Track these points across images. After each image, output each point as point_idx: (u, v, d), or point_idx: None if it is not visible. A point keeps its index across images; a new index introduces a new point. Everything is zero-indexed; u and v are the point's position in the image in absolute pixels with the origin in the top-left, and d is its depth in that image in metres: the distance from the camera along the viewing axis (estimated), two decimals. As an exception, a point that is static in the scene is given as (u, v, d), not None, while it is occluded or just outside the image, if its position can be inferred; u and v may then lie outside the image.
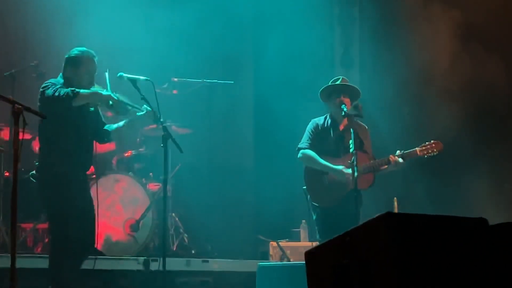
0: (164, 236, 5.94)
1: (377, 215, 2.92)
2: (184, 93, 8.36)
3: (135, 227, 7.46)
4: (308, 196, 6.42)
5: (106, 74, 5.89)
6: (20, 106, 4.03)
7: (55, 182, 5.60)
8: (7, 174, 7.48)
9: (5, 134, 7.68)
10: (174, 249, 7.82)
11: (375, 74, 8.91)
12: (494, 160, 8.06)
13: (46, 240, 7.18)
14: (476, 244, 2.98)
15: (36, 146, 6.97)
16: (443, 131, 7.43)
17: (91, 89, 5.71)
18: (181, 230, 8.01)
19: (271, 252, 8.00)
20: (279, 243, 7.95)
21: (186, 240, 8.00)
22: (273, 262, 7.69)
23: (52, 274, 5.58)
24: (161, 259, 5.64)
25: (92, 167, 6.34)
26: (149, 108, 5.76)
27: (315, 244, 7.08)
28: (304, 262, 3.42)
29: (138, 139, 8.19)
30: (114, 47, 8.03)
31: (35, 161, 5.77)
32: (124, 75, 5.76)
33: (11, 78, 7.70)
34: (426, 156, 6.26)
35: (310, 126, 6.48)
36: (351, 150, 5.88)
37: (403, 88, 8.64)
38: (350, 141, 5.90)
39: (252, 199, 9.25)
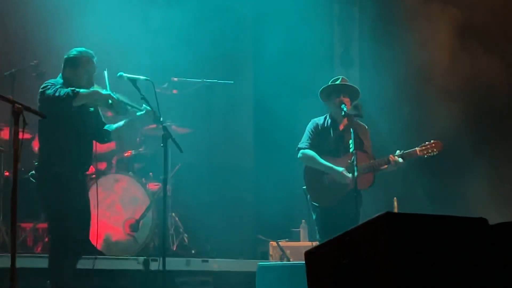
0: (164, 236, 5.94)
1: (377, 215, 2.92)
2: (184, 92, 8.36)
3: (135, 227, 7.46)
4: (308, 196, 6.42)
5: (105, 73, 5.89)
6: (20, 106, 4.03)
7: (55, 182, 5.60)
8: (7, 173, 7.48)
9: (5, 134, 7.67)
10: (174, 249, 7.82)
11: (375, 74, 8.91)
12: (494, 160, 8.07)
13: (46, 239, 7.17)
14: (476, 244, 2.98)
15: (36, 146, 6.97)
16: (443, 131, 7.44)
17: (91, 89, 5.71)
18: (181, 230, 8.01)
19: (271, 252, 8.00)
20: (279, 243, 7.95)
21: (186, 240, 8.00)
22: (273, 262, 7.69)
23: (52, 273, 5.59)
24: (161, 259, 5.64)
25: (92, 167, 6.35)
26: (149, 108, 5.76)
27: (315, 244, 7.07)
28: (304, 262, 3.42)
29: (138, 139, 8.19)
30: (114, 47, 8.03)
31: (34, 161, 5.77)
32: (124, 75, 5.77)
33: (11, 77, 7.70)
34: (426, 156, 6.26)
35: (310, 126, 6.47)
36: (351, 150, 5.88)
37: (403, 87, 8.64)
38: (350, 141, 5.90)
39: (252, 199, 9.25)
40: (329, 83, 6.42)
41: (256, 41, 9.49)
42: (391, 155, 6.20)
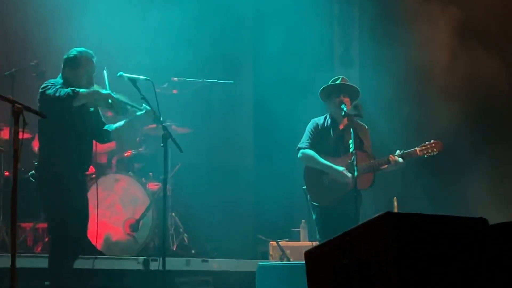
0: (164, 235, 5.94)
1: (377, 215, 2.92)
2: (184, 92, 8.36)
3: (135, 226, 7.46)
4: (308, 196, 6.42)
5: (105, 72, 5.90)
6: (20, 106, 4.03)
7: (54, 182, 5.60)
8: (7, 173, 7.48)
9: (5, 134, 7.68)
10: (174, 248, 7.82)
11: (375, 74, 8.90)
12: (494, 160, 8.06)
13: (46, 239, 7.18)
14: (476, 244, 2.98)
15: (36, 145, 6.98)
16: (443, 131, 7.44)
17: (91, 88, 5.71)
18: (181, 230, 8.01)
19: (271, 251, 8.00)
20: (279, 242, 7.95)
21: (186, 239, 8.00)
22: (273, 261, 7.69)
23: (52, 273, 5.59)
24: (161, 258, 5.64)
25: (92, 167, 6.35)
26: (148, 108, 5.76)
27: (315, 244, 7.07)
28: (304, 262, 3.42)
29: (138, 139, 8.19)
30: (114, 47, 8.04)
31: (34, 161, 5.77)
32: (124, 74, 5.77)
33: (11, 77, 7.70)
34: (426, 156, 6.26)
35: (310, 126, 6.47)
36: (351, 150, 5.88)
37: (403, 87, 8.64)
38: (350, 141, 5.90)
39: (252, 198, 9.25)
40: (329, 83, 6.42)
41: (256, 41, 9.49)
42: (391, 155, 6.20)
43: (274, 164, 8.75)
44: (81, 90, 5.56)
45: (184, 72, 8.35)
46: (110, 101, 5.66)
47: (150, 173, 8.06)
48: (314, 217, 6.39)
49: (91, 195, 6.21)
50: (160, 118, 5.77)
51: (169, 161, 6.13)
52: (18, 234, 6.97)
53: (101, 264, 6.76)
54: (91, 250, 6.65)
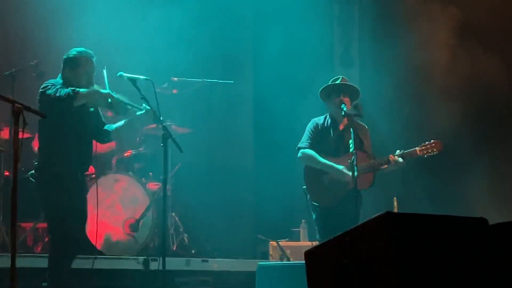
0: (164, 235, 5.94)
1: (376, 214, 2.92)
2: (184, 92, 8.36)
3: (135, 226, 7.46)
4: (308, 196, 6.42)
5: (104, 71, 5.90)
6: (20, 106, 4.02)
7: (54, 181, 5.60)
8: (7, 173, 7.48)
9: (5, 134, 7.67)
10: (174, 248, 7.82)
11: (375, 73, 8.91)
12: (494, 160, 8.06)
13: (46, 239, 7.18)
14: (476, 244, 2.97)
15: (35, 145, 6.97)
16: (443, 131, 7.44)
17: (90, 88, 5.71)
18: (181, 230, 8.01)
19: (271, 251, 8.00)
20: (279, 242, 7.95)
21: (186, 239, 8.00)
22: (273, 261, 7.69)
23: (51, 273, 5.59)
24: (161, 258, 5.64)
25: (92, 166, 6.35)
26: (148, 108, 5.76)
27: (315, 243, 7.07)
28: (304, 262, 3.42)
29: (138, 139, 8.19)
30: (114, 47, 8.04)
31: (34, 161, 5.77)
32: (124, 74, 5.77)
33: (11, 77, 7.70)
34: (426, 156, 6.26)
35: (310, 126, 6.47)
36: (351, 150, 5.88)
37: (403, 87, 8.65)
38: (350, 141, 5.90)
39: (252, 198, 9.25)
40: (329, 83, 6.42)
41: (256, 41, 9.49)
42: (391, 155, 6.20)
43: (274, 164, 8.75)
44: (81, 90, 5.56)
45: (184, 72, 8.35)
46: (109, 100, 5.66)
47: (150, 173, 8.06)
48: (314, 217, 6.39)
49: (91, 195, 6.21)
50: (160, 118, 5.77)
51: (169, 161, 6.12)
52: (18, 234, 6.97)
53: (101, 264, 6.76)
54: (91, 250, 6.65)
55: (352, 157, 5.84)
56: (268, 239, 8.16)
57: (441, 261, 2.88)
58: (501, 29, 8.35)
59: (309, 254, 3.38)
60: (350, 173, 5.97)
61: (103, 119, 6.01)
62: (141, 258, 7.03)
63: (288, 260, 7.70)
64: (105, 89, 5.78)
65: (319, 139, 6.39)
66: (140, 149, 8.14)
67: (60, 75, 5.79)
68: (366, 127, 6.48)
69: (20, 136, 3.96)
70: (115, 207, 7.44)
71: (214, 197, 8.59)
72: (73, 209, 5.63)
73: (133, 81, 5.76)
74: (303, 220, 8.25)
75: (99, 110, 5.96)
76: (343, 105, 6.15)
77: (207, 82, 8.38)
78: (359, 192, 5.91)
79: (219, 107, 9.03)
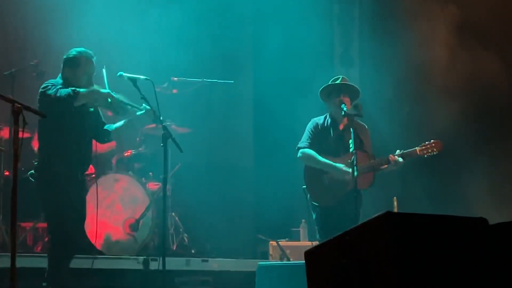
0: (163, 235, 5.95)
1: (376, 214, 2.92)
2: (184, 92, 8.36)
3: (134, 226, 7.46)
4: (308, 196, 6.42)
5: (104, 71, 5.90)
6: (20, 105, 4.02)
7: (54, 181, 5.60)
8: (7, 173, 7.48)
9: (5, 133, 7.67)
10: (174, 248, 7.83)
11: (375, 73, 8.90)
12: (494, 159, 8.06)
13: (46, 239, 7.17)
14: (476, 243, 2.97)
15: (35, 145, 6.98)
16: (443, 130, 7.44)
17: (90, 88, 5.71)
18: (181, 230, 8.01)
19: (271, 251, 8.00)
20: (279, 242, 7.95)
21: (186, 239, 8.00)
22: (273, 261, 7.69)
23: (51, 273, 5.59)
24: (161, 258, 5.64)
25: (92, 166, 6.34)
26: (148, 108, 5.76)
27: (315, 243, 7.07)
28: (304, 262, 3.42)
29: (138, 138, 8.19)
30: (114, 46, 8.03)
31: (34, 161, 5.77)
32: (124, 74, 5.77)
33: (10, 77, 7.70)
34: (426, 156, 6.26)
35: (310, 126, 6.47)
36: (351, 150, 5.88)
37: (403, 87, 8.64)
38: (350, 141, 5.90)
39: (252, 198, 9.25)
40: (329, 83, 6.42)
41: (256, 40, 9.49)
42: (391, 155, 6.20)
43: (274, 164, 8.75)
44: (81, 90, 5.56)
45: (184, 72, 8.35)
46: (109, 100, 5.66)
47: (150, 173, 8.06)
48: (314, 216, 6.39)
49: (91, 194, 6.21)
50: (160, 118, 5.76)
51: (169, 160, 6.11)
52: (18, 234, 6.97)
53: (101, 263, 6.76)
54: (91, 250, 6.65)
55: (352, 157, 5.84)
56: (268, 239, 8.16)
57: (441, 261, 2.88)
58: (501, 29, 8.34)
59: (309, 254, 3.38)
60: (349, 171, 5.97)
61: (103, 119, 6.01)
62: (141, 258, 7.03)
63: (288, 260, 7.69)
64: (105, 88, 5.78)
65: (319, 139, 6.39)
66: (140, 149, 8.15)
67: (60, 75, 5.80)
68: (366, 127, 6.48)
69: (20, 135, 3.96)
70: (115, 207, 7.44)
71: (214, 197, 8.58)
72: (72, 209, 5.63)
73: (133, 81, 5.76)
74: (303, 220, 8.25)
75: (99, 110, 5.96)
76: (343, 105, 6.14)
77: (207, 82, 8.38)
78: (359, 192, 5.91)
79: (219, 107, 9.03)
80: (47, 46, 8.03)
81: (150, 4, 8.92)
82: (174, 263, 6.91)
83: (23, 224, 7.40)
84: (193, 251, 7.89)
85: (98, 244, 7.10)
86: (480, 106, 8.22)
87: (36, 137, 6.63)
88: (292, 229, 8.47)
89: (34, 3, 8.41)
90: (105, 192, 7.29)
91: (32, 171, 5.70)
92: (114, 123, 6.02)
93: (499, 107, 8.39)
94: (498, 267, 2.95)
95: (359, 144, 6.04)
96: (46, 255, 5.87)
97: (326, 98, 6.42)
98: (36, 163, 5.72)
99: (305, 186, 6.45)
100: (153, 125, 7.52)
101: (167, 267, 5.63)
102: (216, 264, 7.43)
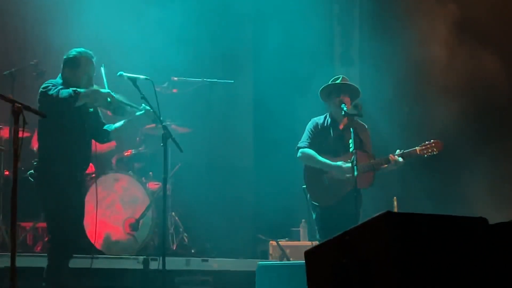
0: (163, 235, 5.95)
1: (377, 214, 2.92)
2: (184, 92, 8.36)
3: (134, 226, 7.46)
4: (308, 195, 6.42)
5: (102, 69, 5.90)
6: (20, 105, 4.02)
7: (53, 181, 5.60)
8: (7, 173, 7.47)
9: (5, 133, 7.67)
10: (174, 248, 7.83)
11: (375, 73, 8.90)
12: (494, 159, 8.06)
13: (46, 239, 7.17)
14: (476, 243, 2.97)
15: (34, 144, 6.98)
16: (443, 130, 7.44)
17: (90, 88, 5.71)
18: (181, 229, 8.01)
19: (270, 251, 8.00)
20: (279, 242, 7.95)
21: (185, 239, 8.00)
22: (272, 261, 7.69)
23: (51, 273, 5.58)
24: (161, 258, 5.65)
25: (92, 165, 6.33)
26: (148, 108, 5.76)
27: (315, 243, 7.06)
28: (303, 262, 3.42)
29: (138, 138, 8.20)
30: (114, 46, 8.03)
31: (33, 161, 5.76)
32: (124, 74, 5.77)
33: (10, 77, 7.70)
34: (426, 156, 6.26)
35: (310, 125, 6.47)
36: (350, 149, 5.88)
37: (403, 86, 8.64)
38: (350, 141, 5.90)
39: (252, 198, 9.25)
40: (329, 82, 6.42)
41: (256, 40, 9.49)
42: (391, 155, 6.20)
43: (274, 163, 8.75)
44: (82, 90, 5.56)
45: (184, 72, 8.35)
46: (109, 99, 5.66)
47: (150, 173, 8.06)
48: (314, 216, 6.39)
49: (91, 194, 6.20)
50: (159, 118, 5.76)
51: (169, 160, 6.12)
52: (18, 234, 6.97)
53: (101, 263, 6.76)
54: (91, 250, 6.65)
55: (352, 157, 5.84)
56: (268, 238, 8.16)
57: (441, 260, 2.88)
58: (501, 28, 8.34)
59: (309, 254, 3.38)
60: (348, 165, 5.98)
61: (102, 119, 6.01)
62: (141, 258, 7.03)
63: (288, 259, 7.69)
64: (104, 87, 5.79)
65: (319, 139, 6.39)
66: (140, 148, 8.15)
67: (60, 75, 5.79)
68: (366, 126, 6.48)
69: (20, 135, 3.96)
70: (115, 207, 7.44)
71: (214, 196, 8.58)
72: (72, 209, 5.63)
73: (133, 80, 5.76)
74: (303, 220, 8.25)
75: (99, 110, 5.96)
76: (343, 104, 6.14)
77: (207, 82, 8.38)
78: (359, 191, 5.91)
79: (219, 107, 9.03)
80: (47, 46, 8.03)
81: (150, 3, 8.91)
82: (174, 263, 6.91)
83: (23, 224, 7.40)
84: (193, 251, 7.89)
85: (98, 244, 7.10)
86: (480, 105, 8.21)
87: (35, 136, 6.63)
88: (292, 229, 8.47)
89: (34, 3, 8.41)
90: (105, 192, 7.29)
91: (32, 171, 5.69)
92: (113, 123, 6.02)
93: (499, 107, 8.39)
94: (498, 267, 2.95)
95: (359, 144, 6.04)
96: (46, 254, 5.87)
97: (326, 98, 6.42)
98: (35, 163, 5.72)
99: (305, 186, 6.45)
100: (153, 125, 7.51)
101: (167, 267, 5.63)
102: (216, 263, 7.44)
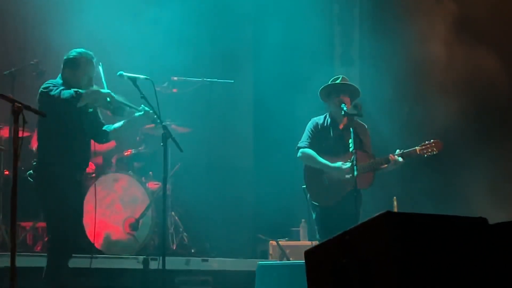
0: (163, 235, 5.95)
1: (377, 214, 2.91)
2: (184, 91, 8.36)
3: (134, 226, 7.46)
4: (308, 195, 6.42)
5: (100, 67, 5.89)
6: (20, 105, 4.02)
7: (52, 181, 5.60)
8: (7, 172, 7.47)
9: (5, 133, 7.67)
10: (174, 248, 7.83)
11: (375, 72, 8.90)
12: (494, 159, 8.06)
13: (46, 238, 7.17)
14: (476, 243, 2.97)
15: (34, 144, 6.97)
16: (443, 129, 7.43)
17: (90, 88, 5.71)
18: (181, 229, 8.01)
19: (270, 251, 8.00)
20: (279, 242, 7.95)
21: (185, 239, 8.00)
22: (272, 261, 7.69)
23: (50, 272, 5.58)
24: (161, 258, 5.64)
25: (92, 165, 6.32)
26: (147, 109, 5.76)
27: (314, 243, 7.06)
28: (303, 262, 3.42)
29: (137, 138, 8.20)
30: (114, 46, 8.03)
31: (32, 161, 5.76)
32: (124, 74, 5.77)
33: (10, 76, 7.70)
34: (425, 155, 6.26)
35: (309, 125, 6.47)
36: (350, 149, 5.88)
37: (403, 86, 8.64)
38: (350, 140, 5.90)
39: (252, 198, 9.25)
40: (329, 83, 6.42)
41: (256, 40, 9.49)
42: (391, 154, 6.20)
43: (274, 163, 8.75)
44: (83, 91, 5.56)
45: (184, 71, 8.35)
46: (108, 99, 5.66)
47: (150, 172, 8.06)
48: (314, 216, 6.39)
49: (90, 194, 6.20)
50: (158, 119, 5.76)
51: (169, 160, 6.12)
52: (18, 233, 6.97)
53: (101, 263, 6.76)
54: (91, 249, 6.65)
55: (352, 157, 5.84)
56: (268, 238, 8.16)
57: (441, 260, 2.88)
58: (501, 27, 8.34)
59: (309, 254, 3.38)
60: (347, 166, 5.98)
61: (102, 120, 6.01)
62: (141, 258, 7.03)
63: (288, 259, 7.69)
64: (103, 86, 5.79)
65: (319, 139, 6.39)
66: (140, 148, 8.15)
67: (59, 75, 5.79)
68: (366, 126, 6.48)
69: (20, 135, 3.96)
70: (115, 206, 7.44)
71: (214, 196, 8.59)
72: (71, 209, 5.62)
73: (133, 80, 5.76)
74: (303, 220, 8.25)
75: (98, 111, 5.96)
76: (343, 104, 6.15)
77: (207, 82, 8.39)
78: (359, 191, 5.91)
79: (219, 107, 9.03)
80: (47, 46, 8.03)
81: (150, 3, 8.91)
82: (174, 263, 6.91)
83: (23, 224, 7.40)
84: (193, 251, 7.89)
85: (98, 243, 7.11)
86: (480, 105, 8.21)
87: (35, 136, 6.62)
88: (292, 229, 8.47)
89: (34, 3, 8.42)
90: (105, 192, 7.29)
91: (31, 171, 5.69)
92: (113, 123, 6.02)
93: (499, 107, 8.39)
94: (498, 267, 2.95)
95: (359, 143, 6.04)
96: (46, 254, 5.87)
97: (326, 98, 6.42)
98: (34, 163, 5.71)
99: (305, 186, 6.45)
100: (153, 125, 7.52)
101: (167, 267, 5.63)
102: (216, 263, 7.44)
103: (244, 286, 7.00)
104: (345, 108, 6.10)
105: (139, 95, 5.72)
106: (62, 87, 5.56)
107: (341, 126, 6.39)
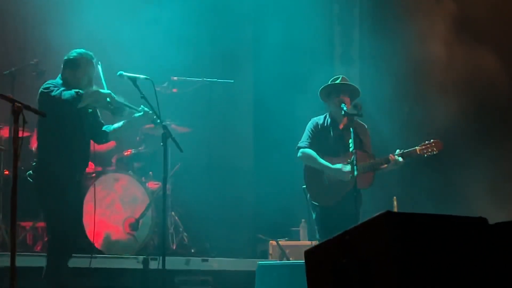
0: (163, 235, 5.95)
1: (377, 214, 2.91)
2: (184, 91, 8.36)
3: (134, 226, 7.46)
4: (308, 195, 6.42)
5: (99, 67, 5.89)
6: (20, 105, 4.02)
7: (52, 181, 5.60)
8: (7, 172, 7.47)
9: (5, 133, 7.67)
10: (174, 248, 7.82)
11: (375, 72, 8.90)
12: (494, 159, 8.05)
13: (46, 238, 7.17)
14: (476, 243, 2.97)
15: (33, 144, 6.97)
16: (443, 129, 7.43)
17: (90, 89, 5.71)
18: (181, 229, 8.01)
19: (270, 251, 8.00)
20: (279, 242, 7.95)
21: (185, 239, 8.00)
22: (272, 261, 7.69)
23: (50, 272, 5.58)
24: (161, 258, 5.64)
25: (92, 164, 6.32)
26: (147, 109, 5.76)
27: (314, 243, 7.07)
28: (303, 261, 3.42)
29: (137, 138, 8.20)
30: (114, 46, 8.03)
31: (32, 162, 5.76)
32: (124, 74, 5.77)
33: (10, 76, 7.70)
34: (426, 155, 6.26)
35: (309, 125, 6.47)
36: (350, 149, 5.88)
37: (403, 86, 8.64)
38: (350, 140, 5.90)
39: (252, 198, 9.25)
40: (329, 82, 6.42)
41: (256, 40, 9.49)
42: (391, 154, 6.20)
43: (274, 163, 8.75)
44: (83, 91, 5.56)
45: (184, 71, 8.35)
46: (108, 99, 5.66)
47: (150, 172, 8.06)
48: (314, 216, 6.39)
49: (90, 194, 6.20)
50: (158, 119, 5.75)
51: (169, 160, 6.12)
52: (17, 233, 6.97)
53: (101, 263, 6.76)
54: (91, 249, 6.65)
55: (352, 157, 5.84)
56: (268, 238, 8.16)
57: (441, 260, 2.88)
58: (500, 27, 8.34)
59: (309, 254, 3.38)
60: (348, 169, 5.98)
61: (101, 120, 6.01)
62: (141, 257, 7.03)
63: (288, 259, 7.69)
64: (103, 86, 5.79)
65: (319, 139, 6.39)
66: (140, 148, 8.15)
67: (59, 75, 5.79)
68: (366, 126, 6.48)
69: (20, 135, 3.96)
70: (115, 206, 7.44)
71: (214, 196, 8.58)
72: (70, 209, 5.62)
73: (133, 80, 5.76)
74: (302, 220, 8.24)
75: (98, 111, 5.96)
76: (343, 104, 6.15)
77: (207, 81, 8.39)
78: (359, 191, 5.91)
79: (219, 107, 9.03)
80: (47, 46, 8.03)
81: (150, 3, 8.91)
82: (174, 263, 6.91)
83: (23, 224, 7.40)
84: (193, 251, 7.89)
85: (98, 243, 7.10)
86: (480, 105, 8.21)
87: (35, 136, 6.62)
88: (292, 229, 8.47)
89: (34, 3, 8.41)
90: (105, 192, 7.29)
91: (30, 171, 5.69)
92: (112, 123, 6.02)
93: (499, 106, 8.39)
94: (498, 267, 2.95)
95: (359, 143, 6.04)
96: (45, 254, 5.87)
97: (326, 98, 6.42)
98: (34, 163, 5.71)
99: (305, 186, 6.45)
100: (153, 125, 7.52)
101: (167, 267, 5.63)
102: (216, 263, 7.44)
103: (244, 286, 7.00)
104: (345, 108, 6.10)
105: (139, 95, 5.71)
106: (62, 88, 5.56)
107: (341, 126, 6.39)
